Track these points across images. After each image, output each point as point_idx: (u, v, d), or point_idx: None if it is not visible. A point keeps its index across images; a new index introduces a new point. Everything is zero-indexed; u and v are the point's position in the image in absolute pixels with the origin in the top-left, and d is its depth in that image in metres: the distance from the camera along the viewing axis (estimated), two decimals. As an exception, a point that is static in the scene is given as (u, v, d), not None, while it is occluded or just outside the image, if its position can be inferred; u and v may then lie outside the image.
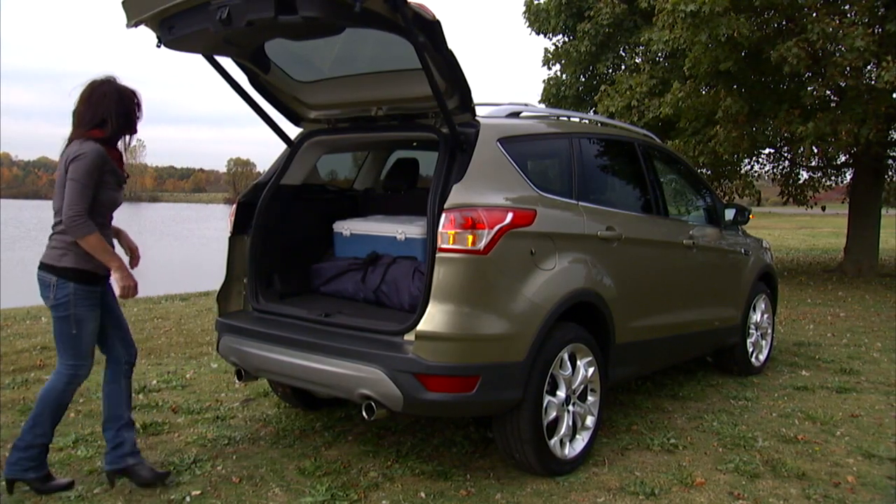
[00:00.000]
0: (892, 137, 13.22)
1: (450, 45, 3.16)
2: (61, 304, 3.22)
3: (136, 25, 3.28)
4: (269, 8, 2.91)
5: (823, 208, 16.43)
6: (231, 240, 4.14)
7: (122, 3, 3.25)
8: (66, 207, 3.13)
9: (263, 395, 4.96)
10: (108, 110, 3.27)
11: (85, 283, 3.25)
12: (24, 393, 4.97)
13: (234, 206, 4.17)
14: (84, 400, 4.81)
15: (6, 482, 3.27)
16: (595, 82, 15.91)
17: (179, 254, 26.19)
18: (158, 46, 3.40)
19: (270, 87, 3.97)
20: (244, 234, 4.11)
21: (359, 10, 2.82)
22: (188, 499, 3.31)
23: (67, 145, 3.27)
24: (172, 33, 3.26)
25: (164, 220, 49.91)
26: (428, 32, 3.07)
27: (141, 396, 4.93)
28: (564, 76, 16.56)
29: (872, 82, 10.21)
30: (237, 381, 4.01)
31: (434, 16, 3.01)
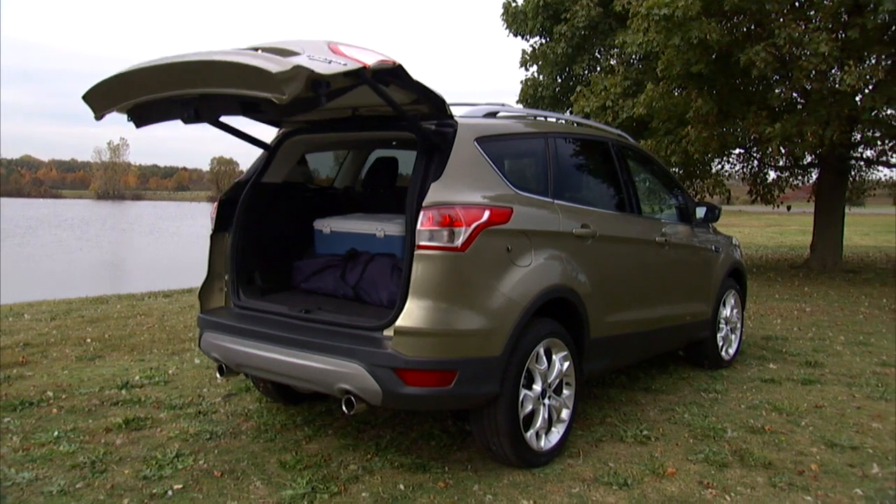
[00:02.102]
0: (854, 139, 13.42)
1: (414, 77, 3.16)
2: None
3: (102, 118, 3.40)
4: (236, 110, 3.10)
5: (789, 208, 16.66)
6: (212, 237, 4.10)
7: (83, 97, 3.34)
8: None
9: (245, 390, 4.92)
10: None
11: None
12: (6, 389, 4.89)
13: (216, 204, 4.14)
14: (66, 396, 4.75)
15: None
16: (571, 83, 15.98)
17: (162, 251, 25.95)
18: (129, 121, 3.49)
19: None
20: (226, 231, 4.08)
21: (325, 102, 2.89)
22: (170, 493, 3.28)
23: None
24: (142, 120, 3.45)
25: (148, 218, 49.41)
26: (394, 77, 3.07)
27: (124, 392, 4.88)
28: (541, 77, 16.62)
29: (836, 86, 10.36)
30: (219, 376, 3.97)
31: (395, 62, 2.99)
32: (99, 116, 3.39)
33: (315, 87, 2.79)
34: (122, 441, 3.93)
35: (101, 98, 3.34)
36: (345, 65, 2.83)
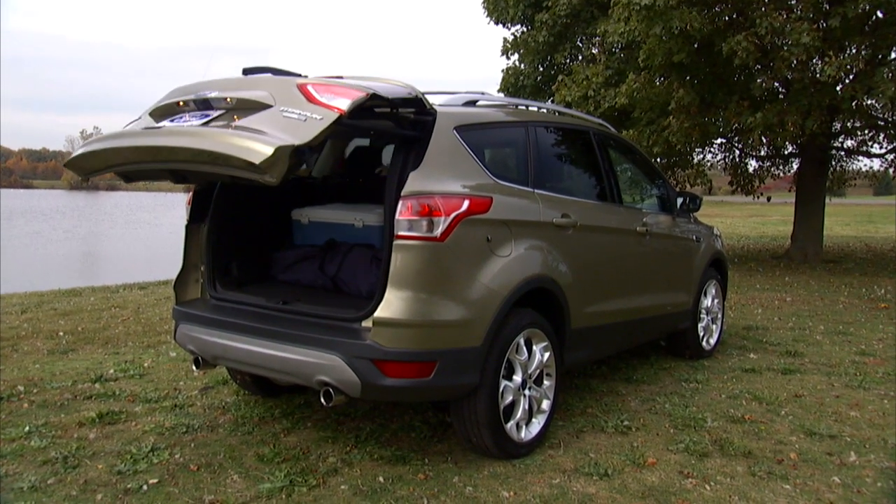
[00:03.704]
0: (835, 129, 13.56)
1: (387, 92, 3.19)
2: None
3: (88, 179, 3.44)
4: (226, 177, 3.19)
5: (769, 199, 16.80)
6: (188, 228, 4.06)
7: (65, 165, 3.48)
8: None
9: (222, 382, 4.89)
10: None
11: None
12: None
13: (191, 193, 4.10)
14: (38, 390, 4.70)
15: None
16: (553, 72, 15.96)
17: (138, 243, 25.64)
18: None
19: None
20: (201, 221, 4.04)
21: (312, 159, 2.93)
22: (145, 487, 3.26)
23: None
24: (131, 179, 3.58)
25: (123, 209, 48.77)
26: (370, 104, 3.11)
27: (97, 386, 4.83)
28: (523, 66, 16.58)
29: (818, 76, 10.45)
30: (195, 369, 3.94)
31: (367, 93, 3.01)
32: (86, 179, 3.53)
33: (299, 154, 2.85)
34: (95, 435, 3.89)
35: (85, 165, 3.46)
36: (321, 119, 2.88)
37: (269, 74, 3.46)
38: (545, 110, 4.91)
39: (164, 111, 3.49)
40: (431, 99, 3.65)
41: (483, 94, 4.29)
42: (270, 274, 4.30)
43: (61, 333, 6.64)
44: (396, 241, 3.23)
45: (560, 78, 14.29)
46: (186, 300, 4.08)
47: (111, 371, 5.21)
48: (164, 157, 3.22)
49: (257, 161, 2.75)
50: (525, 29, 16.44)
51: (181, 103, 3.39)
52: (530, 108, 4.69)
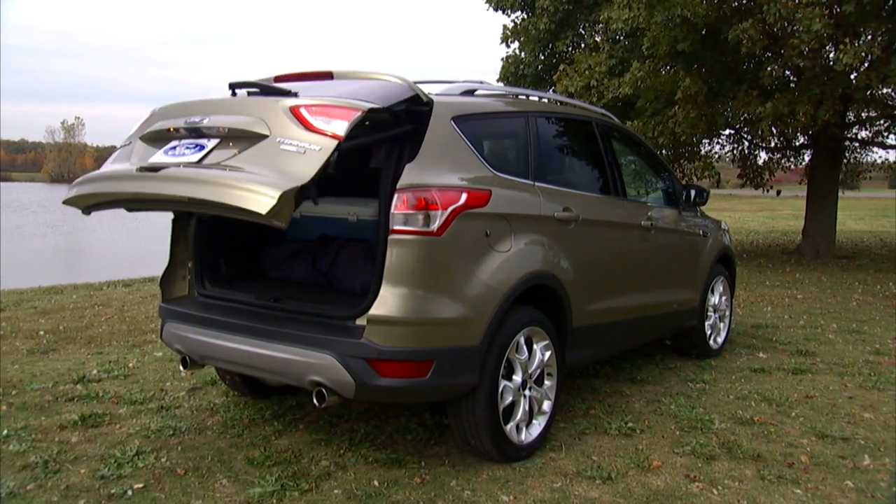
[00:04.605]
0: (849, 119, 13.57)
1: (381, 101, 3.21)
2: None
3: (90, 213, 3.59)
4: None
5: (778, 192, 16.82)
6: (175, 222, 4.06)
7: (64, 202, 3.53)
8: None
9: (210, 383, 4.90)
10: None
11: None
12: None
13: None
14: (17, 392, 4.70)
15: None
16: (554, 61, 15.96)
17: (123, 238, 25.60)
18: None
19: None
20: (189, 216, 4.03)
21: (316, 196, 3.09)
22: (130, 492, 3.26)
23: None
24: (134, 210, 3.61)
25: (106, 203, 48.53)
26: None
27: (80, 387, 4.83)
28: (523, 54, 16.58)
29: (831, 63, 10.44)
30: (182, 369, 3.94)
31: (363, 110, 3.05)
32: (87, 213, 3.59)
33: (303, 191, 2.89)
34: (77, 439, 3.89)
35: (83, 203, 3.52)
36: (319, 149, 2.93)
37: (258, 96, 3.42)
38: (546, 100, 4.90)
39: (155, 136, 3.50)
40: (428, 88, 3.65)
41: (482, 83, 4.29)
42: (261, 270, 4.30)
43: (42, 333, 6.63)
44: (392, 236, 3.23)
45: (562, 67, 14.28)
46: (173, 297, 4.08)
47: (94, 372, 5.21)
48: (165, 200, 3.27)
49: (264, 211, 2.79)
50: (525, 16, 16.44)
51: (171, 129, 3.40)
52: (531, 98, 4.70)
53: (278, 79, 3.87)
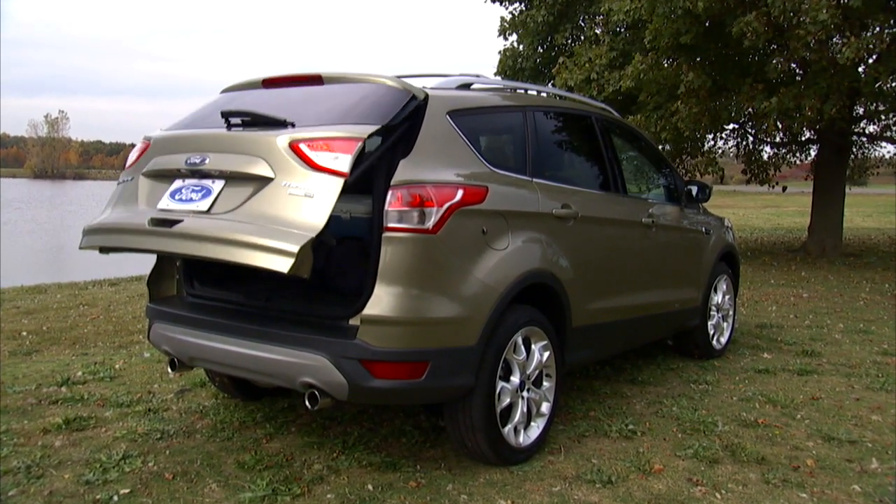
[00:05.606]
0: (856, 113, 13.59)
1: (376, 124, 3.25)
2: None
3: (107, 253, 3.65)
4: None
5: (784, 189, 16.85)
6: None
7: (80, 248, 3.65)
8: None
9: (200, 385, 4.90)
10: None
11: None
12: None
13: None
14: None
15: None
16: (553, 54, 15.97)
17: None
18: None
19: None
20: None
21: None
22: (115, 498, 3.26)
23: None
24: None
25: (92, 200, 48.50)
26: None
27: (64, 389, 4.82)
28: (521, 47, 16.59)
29: (837, 56, 10.46)
30: (170, 371, 3.94)
31: (362, 138, 3.11)
32: (106, 252, 3.66)
33: (319, 236, 2.97)
34: (61, 443, 3.89)
35: (101, 244, 3.60)
36: (327, 192, 3.02)
37: (255, 131, 3.39)
38: (545, 94, 4.91)
39: (158, 174, 3.58)
40: (423, 82, 3.65)
41: (478, 76, 4.29)
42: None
43: (24, 333, 6.62)
44: (386, 234, 3.23)
45: (561, 60, 14.29)
46: (161, 297, 4.08)
47: (79, 373, 5.21)
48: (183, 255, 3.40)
49: (286, 270, 2.89)
50: (524, 7, 16.45)
51: (174, 169, 3.48)
52: (529, 92, 4.70)
53: (266, 82, 3.94)
